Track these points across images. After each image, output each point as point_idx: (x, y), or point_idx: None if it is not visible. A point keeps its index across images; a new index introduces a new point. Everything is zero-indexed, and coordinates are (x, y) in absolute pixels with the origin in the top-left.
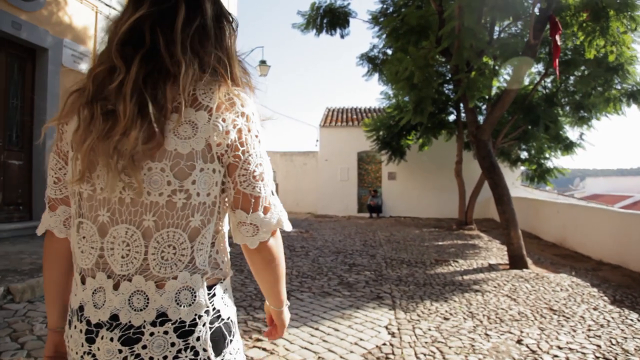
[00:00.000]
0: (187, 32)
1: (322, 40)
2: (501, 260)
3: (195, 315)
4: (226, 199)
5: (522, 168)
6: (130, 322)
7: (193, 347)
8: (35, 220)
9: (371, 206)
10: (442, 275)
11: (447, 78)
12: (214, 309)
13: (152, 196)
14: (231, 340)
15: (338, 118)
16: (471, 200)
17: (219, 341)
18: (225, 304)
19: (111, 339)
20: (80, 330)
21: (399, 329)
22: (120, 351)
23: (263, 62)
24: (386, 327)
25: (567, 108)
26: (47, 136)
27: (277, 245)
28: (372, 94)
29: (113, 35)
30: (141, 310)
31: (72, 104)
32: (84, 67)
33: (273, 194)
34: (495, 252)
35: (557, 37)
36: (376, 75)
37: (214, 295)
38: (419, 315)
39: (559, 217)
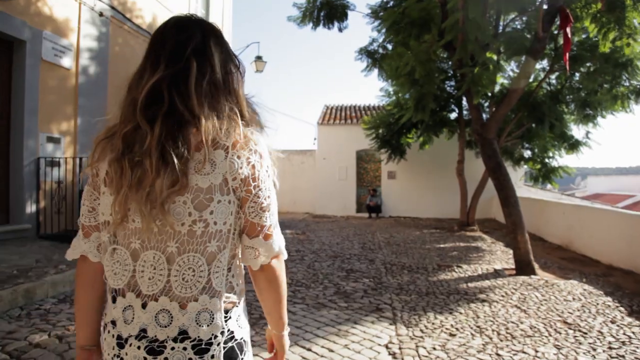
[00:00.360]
0: (200, 87)
1: (321, 36)
2: (507, 265)
3: (212, 335)
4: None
5: (525, 167)
6: (155, 336)
7: None
8: (13, 224)
9: (370, 206)
10: (445, 282)
11: (449, 74)
12: (228, 330)
13: (176, 226)
14: (242, 359)
15: (337, 116)
16: (473, 201)
17: (231, 359)
18: (239, 326)
19: (138, 347)
20: (113, 336)
21: (400, 349)
22: (145, 359)
23: (259, 58)
24: (386, 346)
25: (572, 106)
26: (26, 135)
27: (279, 268)
28: (372, 90)
29: (136, 95)
30: (166, 326)
31: (102, 152)
32: (67, 62)
33: (276, 224)
34: (500, 255)
35: (568, 30)
36: (376, 71)
37: (230, 318)
38: (422, 331)
39: (565, 219)
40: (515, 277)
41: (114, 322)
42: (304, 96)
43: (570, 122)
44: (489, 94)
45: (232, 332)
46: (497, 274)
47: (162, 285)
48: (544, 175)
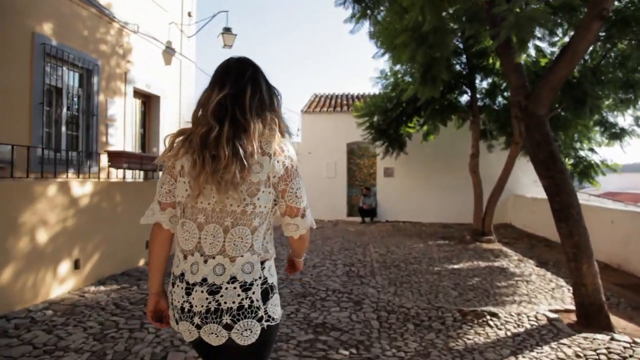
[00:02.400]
0: (252, 103)
1: (312, 23)
2: (553, 301)
3: (253, 279)
4: (276, 209)
5: None
6: (214, 282)
7: (250, 297)
8: None
9: (363, 209)
10: (478, 352)
11: (459, 49)
12: (263, 276)
13: (235, 207)
14: (272, 296)
15: (325, 104)
16: (490, 204)
17: (265, 295)
18: (270, 274)
19: (202, 292)
20: (182, 288)
21: None
22: (207, 299)
23: (227, 30)
24: None
25: (608, 87)
26: None
27: (308, 234)
28: (367, 74)
29: (208, 106)
30: (221, 275)
31: (181, 148)
32: None
33: (307, 207)
34: (539, 283)
35: None
36: (367, 27)
37: (264, 268)
38: None
39: (615, 229)
40: (588, 338)
41: (182, 274)
42: (290, 83)
43: (604, 109)
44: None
45: (266, 278)
46: (554, 327)
47: (219, 248)
48: (581, 172)
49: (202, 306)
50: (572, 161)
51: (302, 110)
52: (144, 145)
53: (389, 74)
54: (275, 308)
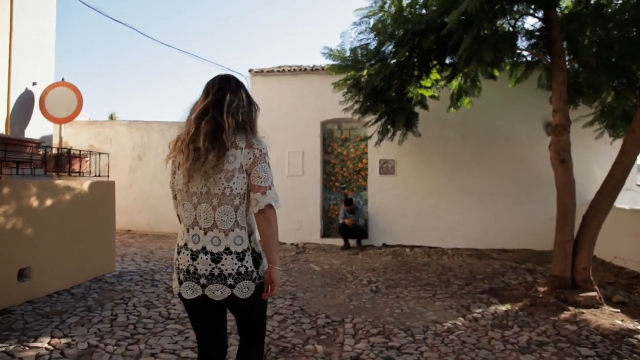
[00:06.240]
0: (230, 108)
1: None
2: None
3: (244, 250)
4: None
5: None
6: (212, 251)
7: (245, 266)
8: None
9: (346, 227)
10: None
11: None
12: (251, 248)
13: (217, 190)
14: (262, 262)
15: (296, 71)
16: (588, 229)
17: (257, 263)
18: (256, 245)
19: (206, 259)
20: (187, 255)
21: None
22: (210, 265)
23: None
24: None
25: None
26: None
27: (273, 214)
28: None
29: (195, 111)
30: (217, 245)
31: (177, 147)
32: None
33: (270, 188)
34: None
35: None
36: None
37: (251, 241)
38: None
39: None
40: None
41: (186, 244)
42: (260, 56)
43: None
44: None
45: (254, 249)
46: None
47: (212, 223)
48: None
49: (206, 270)
50: None
51: (250, 70)
52: None
53: (387, 1)
54: (264, 269)
